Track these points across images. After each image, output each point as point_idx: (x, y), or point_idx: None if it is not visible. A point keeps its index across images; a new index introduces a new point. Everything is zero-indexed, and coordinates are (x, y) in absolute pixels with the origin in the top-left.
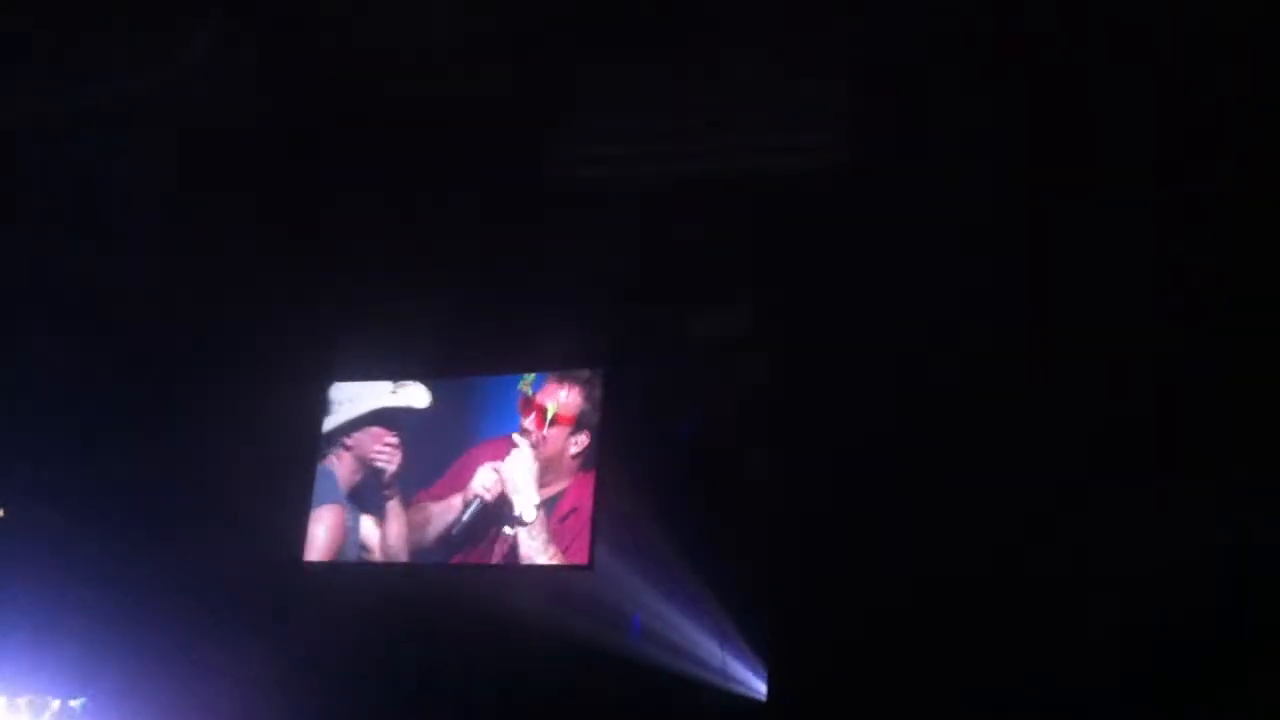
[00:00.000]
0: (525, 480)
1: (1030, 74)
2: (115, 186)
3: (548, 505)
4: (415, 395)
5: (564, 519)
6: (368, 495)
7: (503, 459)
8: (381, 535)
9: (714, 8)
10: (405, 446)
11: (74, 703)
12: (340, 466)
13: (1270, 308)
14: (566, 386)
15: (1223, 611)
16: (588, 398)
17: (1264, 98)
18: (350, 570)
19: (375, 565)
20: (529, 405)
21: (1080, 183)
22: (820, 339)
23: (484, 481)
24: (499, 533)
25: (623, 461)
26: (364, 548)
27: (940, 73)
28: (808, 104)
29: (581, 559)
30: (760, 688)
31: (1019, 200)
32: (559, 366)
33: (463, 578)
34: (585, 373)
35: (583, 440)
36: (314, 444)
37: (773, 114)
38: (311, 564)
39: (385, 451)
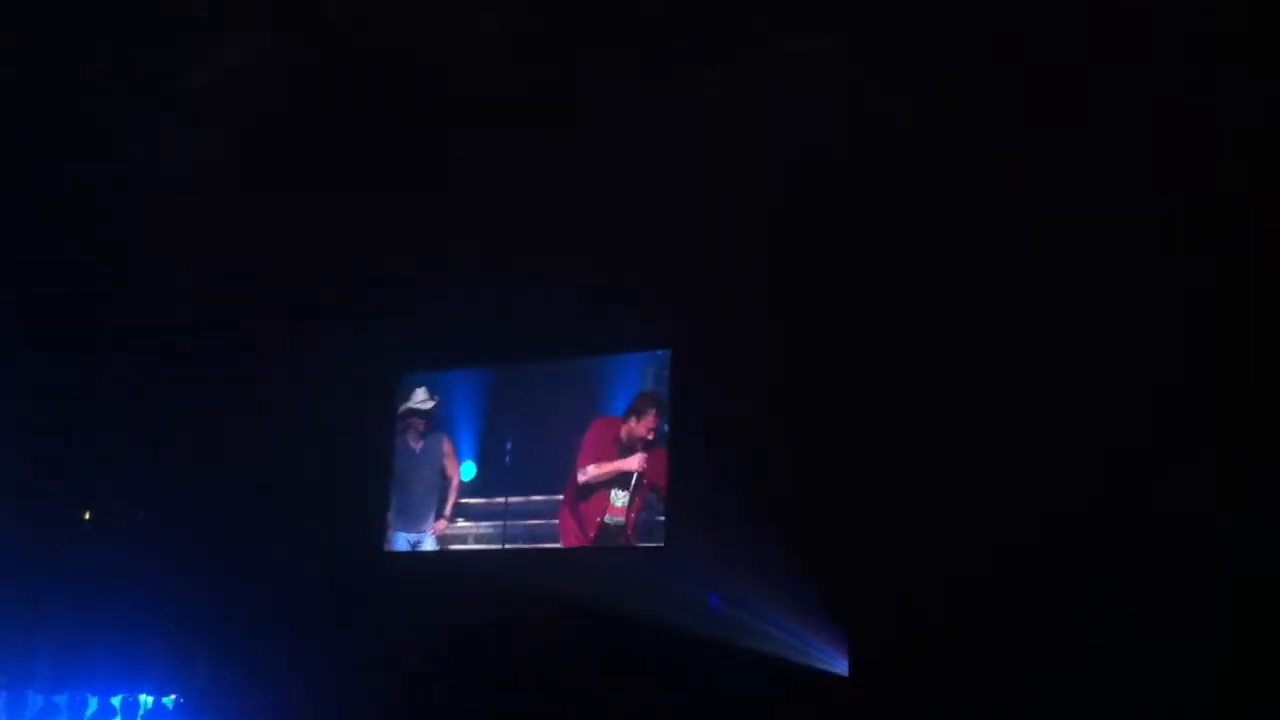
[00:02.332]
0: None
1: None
2: (174, 183)
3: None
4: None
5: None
6: None
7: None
8: None
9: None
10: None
11: (166, 700)
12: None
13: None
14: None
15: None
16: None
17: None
18: (427, 559)
19: (451, 554)
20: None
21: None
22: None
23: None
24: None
25: (691, 439)
26: None
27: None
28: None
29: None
30: (842, 663)
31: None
32: (626, 349)
33: (537, 562)
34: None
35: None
36: (388, 434)
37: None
38: (391, 554)
39: None
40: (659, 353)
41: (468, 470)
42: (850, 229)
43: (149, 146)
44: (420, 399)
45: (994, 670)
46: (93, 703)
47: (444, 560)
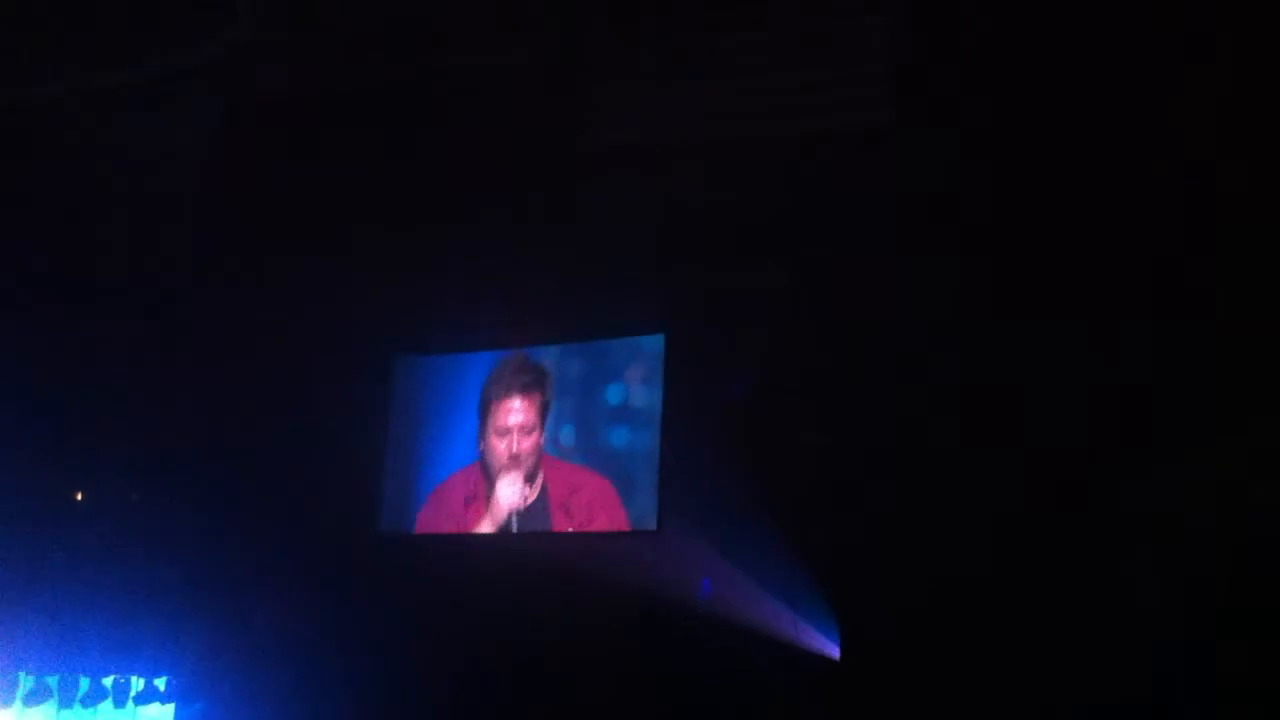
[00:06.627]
0: None
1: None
2: (171, 160)
3: None
4: None
5: None
6: None
7: None
8: None
9: None
10: None
11: (158, 681)
12: None
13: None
14: None
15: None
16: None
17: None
18: (422, 541)
19: (443, 536)
20: None
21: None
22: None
23: None
24: None
25: (684, 423)
26: None
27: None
28: (849, 59)
29: None
30: (833, 648)
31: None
32: (619, 333)
33: (529, 546)
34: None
35: None
36: (383, 415)
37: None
38: (383, 534)
39: None
40: None
41: None
42: (847, 217)
43: (140, 125)
44: None
45: (987, 656)
46: (84, 683)
47: (437, 542)
